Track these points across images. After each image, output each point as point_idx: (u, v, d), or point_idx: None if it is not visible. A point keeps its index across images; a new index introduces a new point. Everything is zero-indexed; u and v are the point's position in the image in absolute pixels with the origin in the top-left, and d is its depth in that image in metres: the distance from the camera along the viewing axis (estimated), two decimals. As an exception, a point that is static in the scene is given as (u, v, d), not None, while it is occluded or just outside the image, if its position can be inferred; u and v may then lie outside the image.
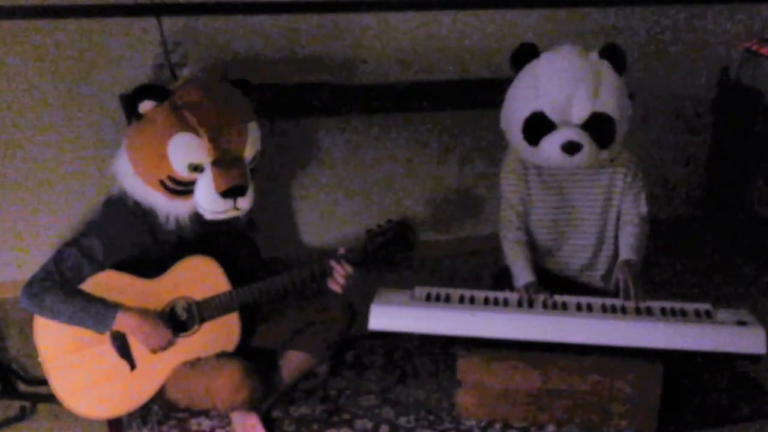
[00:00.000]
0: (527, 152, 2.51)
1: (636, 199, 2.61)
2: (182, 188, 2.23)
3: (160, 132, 2.20)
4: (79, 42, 2.93)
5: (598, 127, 2.41)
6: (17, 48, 2.89)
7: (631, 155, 2.61)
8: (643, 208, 2.62)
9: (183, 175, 2.21)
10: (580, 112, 2.40)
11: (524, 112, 2.44)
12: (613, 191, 2.60)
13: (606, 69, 2.45)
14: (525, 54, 2.51)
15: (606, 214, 2.61)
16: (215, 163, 2.22)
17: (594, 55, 2.46)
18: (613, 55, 2.47)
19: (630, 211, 2.61)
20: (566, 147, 2.40)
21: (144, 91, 2.24)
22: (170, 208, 2.26)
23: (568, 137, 2.39)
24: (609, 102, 2.41)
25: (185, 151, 2.20)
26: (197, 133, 2.20)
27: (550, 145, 2.42)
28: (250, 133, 2.30)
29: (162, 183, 2.22)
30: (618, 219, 2.62)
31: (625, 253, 2.55)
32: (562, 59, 2.43)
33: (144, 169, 2.23)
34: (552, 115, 2.40)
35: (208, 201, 2.23)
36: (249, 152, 2.31)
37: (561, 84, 2.40)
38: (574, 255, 2.67)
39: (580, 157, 2.42)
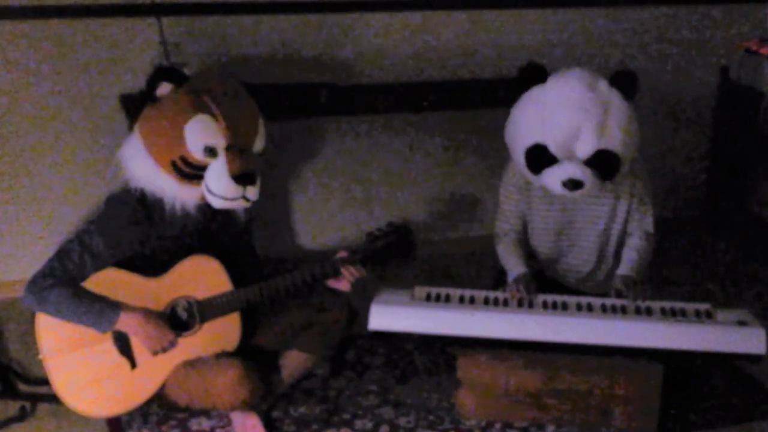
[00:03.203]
0: (528, 175, 2.48)
1: (642, 219, 2.59)
2: (193, 172, 2.24)
3: (178, 112, 2.23)
4: (79, 42, 2.93)
5: (602, 163, 2.36)
6: (17, 48, 2.89)
7: (637, 179, 2.54)
8: (650, 227, 2.59)
9: (197, 156, 2.23)
10: (584, 149, 2.33)
11: (527, 141, 2.39)
12: (616, 214, 2.57)
13: (615, 100, 2.35)
14: (532, 74, 2.43)
15: (608, 232, 2.60)
16: (229, 149, 2.24)
17: (603, 84, 2.36)
18: (624, 81, 2.38)
19: (636, 228, 2.59)
20: (567, 184, 2.37)
21: (163, 73, 2.27)
22: (178, 194, 2.26)
23: (570, 175, 2.35)
24: (615, 138, 2.33)
25: (203, 132, 2.22)
26: (215, 117, 2.22)
27: (552, 179, 2.39)
28: (260, 128, 2.35)
29: (174, 164, 2.23)
30: (620, 237, 2.61)
31: (625, 268, 2.53)
32: (570, 91, 2.33)
33: (158, 148, 2.24)
34: (555, 150, 2.34)
35: (220, 185, 2.24)
36: (258, 145, 2.35)
37: (567, 119, 2.31)
38: (573, 269, 2.67)
39: (581, 192, 2.40)
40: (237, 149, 2.26)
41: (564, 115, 2.32)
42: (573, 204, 2.56)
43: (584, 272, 2.66)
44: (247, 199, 2.30)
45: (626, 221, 2.58)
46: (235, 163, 2.24)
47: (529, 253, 2.67)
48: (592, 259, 2.63)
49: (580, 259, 2.64)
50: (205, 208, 2.32)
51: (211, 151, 2.23)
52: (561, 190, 2.40)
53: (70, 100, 3.00)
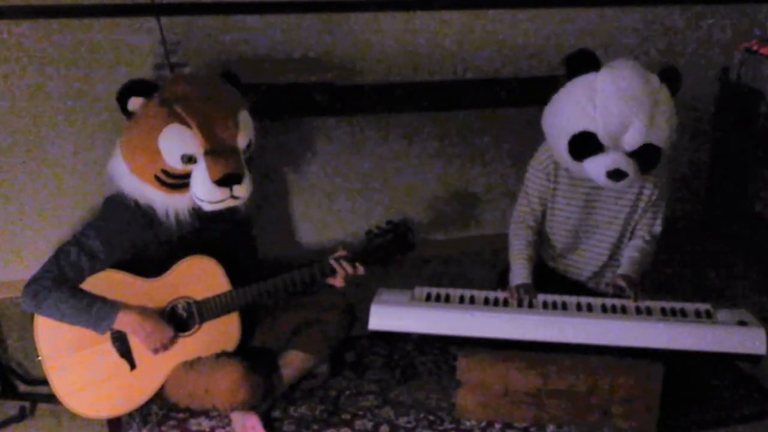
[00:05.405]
0: (567, 162, 2.46)
1: (654, 217, 2.59)
2: (178, 181, 2.23)
3: (150, 126, 2.21)
4: (79, 42, 2.93)
5: (646, 156, 2.36)
6: (17, 48, 2.89)
7: (663, 172, 2.56)
8: (657, 228, 2.60)
9: (176, 167, 2.22)
10: (632, 141, 2.32)
11: (574, 128, 2.37)
12: (638, 205, 2.57)
13: (664, 95, 2.37)
14: (583, 61, 2.41)
15: (626, 225, 2.60)
16: (208, 153, 2.22)
17: (654, 79, 2.37)
18: (671, 78, 2.40)
19: (644, 227, 2.60)
20: (612, 174, 2.36)
21: (130, 88, 2.26)
22: (168, 203, 2.26)
23: (617, 165, 2.34)
24: (662, 132, 2.34)
25: (177, 142, 2.20)
26: (187, 125, 2.20)
27: (596, 168, 2.37)
28: (241, 122, 2.30)
29: (157, 178, 2.23)
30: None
31: (626, 268, 2.53)
32: (625, 81, 2.32)
33: (138, 165, 2.24)
34: (604, 138, 2.33)
35: (204, 191, 2.23)
36: (242, 141, 2.30)
37: (621, 109, 2.30)
38: (587, 261, 2.66)
39: (622, 183, 2.41)
40: (217, 152, 2.23)
41: (618, 104, 2.31)
42: (597, 195, 2.56)
43: (595, 266, 2.65)
44: (237, 197, 2.27)
45: (642, 215, 2.58)
46: (216, 166, 2.21)
47: (542, 242, 2.67)
48: (605, 253, 2.63)
49: (594, 251, 2.64)
50: (200, 210, 2.31)
51: (189, 159, 2.21)
52: (604, 180, 2.39)
53: (70, 100, 3.00)
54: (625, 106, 2.30)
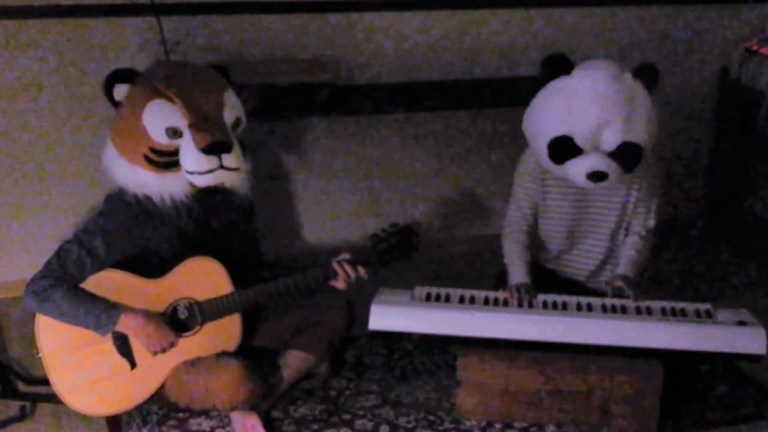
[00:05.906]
0: (549, 166, 2.46)
1: (647, 211, 2.59)
2: (167, 159, 2.24)
3: (134, 105, 2.25)
4: (79, 42, 2.93)
5: (626, 154, 2.36)
6: (17, 48, 2.89)
7: (653, 166, 2.56)
8: (651, 221, 2.61)
9: (162, 142, 2.23)
10: (610, 141, 2.33)
11: (552, 132, 2.37)
12: (629, 202, 2.58)
13: (640, 92, 2.36)
14: (557, 65, 2.42)
15: (620, 223, 2.60)
16: (192, 125, 2.23)
17: (628, 76, 2.37)
18: (646, 74, 2.40)
19: (638, 222, 2.60)
20: (593, 176, 2.37)
21: (114, 76, 2.29)
22: (162, 186, 2.26)
23: (596, 167, 2.35)
24: (640, 130, 2.34)
25: (160, 116, 2.23)
26: (170, 99, 2.23)
27: (576, 170, 2.38)
28: (226, 100, 2.32)
29: (146, 157, 2.24)
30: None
31: (624, 267, 2.54)
32: (598, 82, 2.32)
33: (126, 146, 2.26)
34: (581, 141, 2.34)
35: (192, 161, 2.23)
36: (229, 116, 2.32)
37: (595, 111, 2.31)
38: (584, 260, 2.66)
39: (604, 184, 2.41)
40: (201, 123, 2.24)
41: (592, 106, 2.32)
42: (588, 195, 2.56)
43: (593, 265, 2.65)
44: (228, 168, 2.27)
45: (635, 210, 2.58)
46: (201, 135, 2.21)
47: (537, 245, 2.67)
48: (602, 251, 2.63)
49: (591, 250, 2.64)
50: (201, 197, 2.31)
51: (174, 133, 2.23)
52: (585, 182, 2.40)
53: (70, 100, 3.00)
54: (598, 107, 2.31)
